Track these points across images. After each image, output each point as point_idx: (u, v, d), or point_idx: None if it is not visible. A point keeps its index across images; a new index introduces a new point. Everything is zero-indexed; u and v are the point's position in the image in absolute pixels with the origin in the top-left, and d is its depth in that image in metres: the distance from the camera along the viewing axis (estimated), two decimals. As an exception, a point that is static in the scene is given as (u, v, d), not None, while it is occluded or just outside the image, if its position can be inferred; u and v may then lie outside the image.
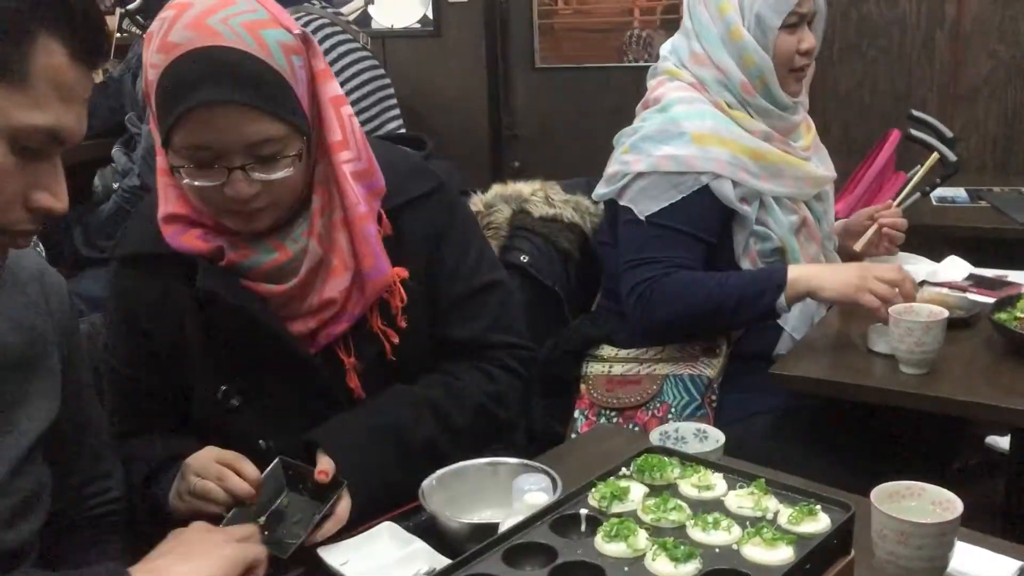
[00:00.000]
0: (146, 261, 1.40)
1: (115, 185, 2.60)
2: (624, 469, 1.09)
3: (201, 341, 1.39)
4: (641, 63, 3.83)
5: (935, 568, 1.10)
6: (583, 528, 0.99)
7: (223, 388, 1.40)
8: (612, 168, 2.02)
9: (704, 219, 1.93)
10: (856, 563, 1.01)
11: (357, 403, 1.41)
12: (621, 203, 1.97)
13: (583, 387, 2.04)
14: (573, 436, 1.99)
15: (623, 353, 2.05)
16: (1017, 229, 2.65)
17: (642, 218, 1.92)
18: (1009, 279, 2.15)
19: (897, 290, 1.79)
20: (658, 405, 1.97)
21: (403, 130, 2.73)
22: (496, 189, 2.19)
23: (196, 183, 1.25)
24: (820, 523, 0.97)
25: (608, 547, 0.94)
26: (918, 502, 1.14)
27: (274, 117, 1.23)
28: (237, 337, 1.37)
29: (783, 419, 1.96)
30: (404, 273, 1.41)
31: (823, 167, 2.12)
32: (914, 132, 2.56)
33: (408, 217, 1.43)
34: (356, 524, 1.26)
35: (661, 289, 1.88)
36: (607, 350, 2.06)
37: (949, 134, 2.63)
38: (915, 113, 2.70)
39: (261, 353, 1.38)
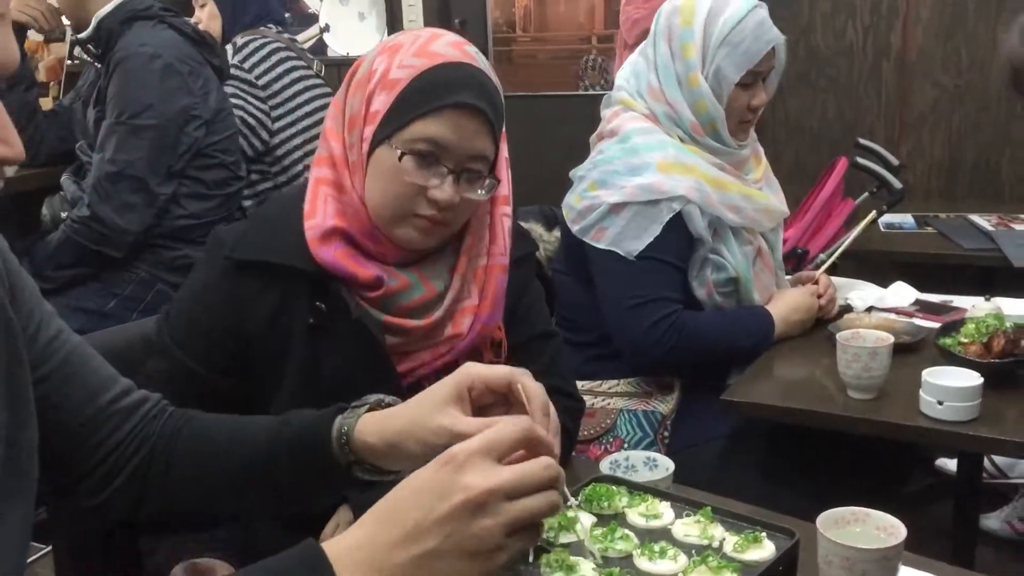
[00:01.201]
0: (269, 270, 1.37)
1: (63, 215, 2.56)
2: (572, 499, 1.08)
3: (300, 362, 1.38)
4: (597, 89, 3.88)
5: (880, 593, 1.11)
6: (531, 559, 0.98)
7: None
8: (582, 203, 2.01)
9: (681, 248, 1.98)
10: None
11: None
12: (601, 247, 1.98)
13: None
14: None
15: (578, 384, 2.05)
16: (962, 255, 2.71)
17: (631, 257, 1.95)
18: (954, 304, 2.19)
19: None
20: (611, 439, 1.98)
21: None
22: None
23: (409, 178, 1.31)
24: (765, 550, 0.98)
25: (554, 578, 0.94)
26: (863, 528, 1.15)
27: (493, 139, 1.35)
28: (337, 369, 1.37)
29: (734, 445, 1.98)
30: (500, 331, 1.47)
31: (776, 199, 2.16)
32: (860, 161, 2.62)
33: (513, 274, 1.49)
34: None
35: (683, 329, 1.94)
36: None
37: (895, 162, 2.70)
38: (862, 141, 2.77)
39: (351, 386, 1.34)
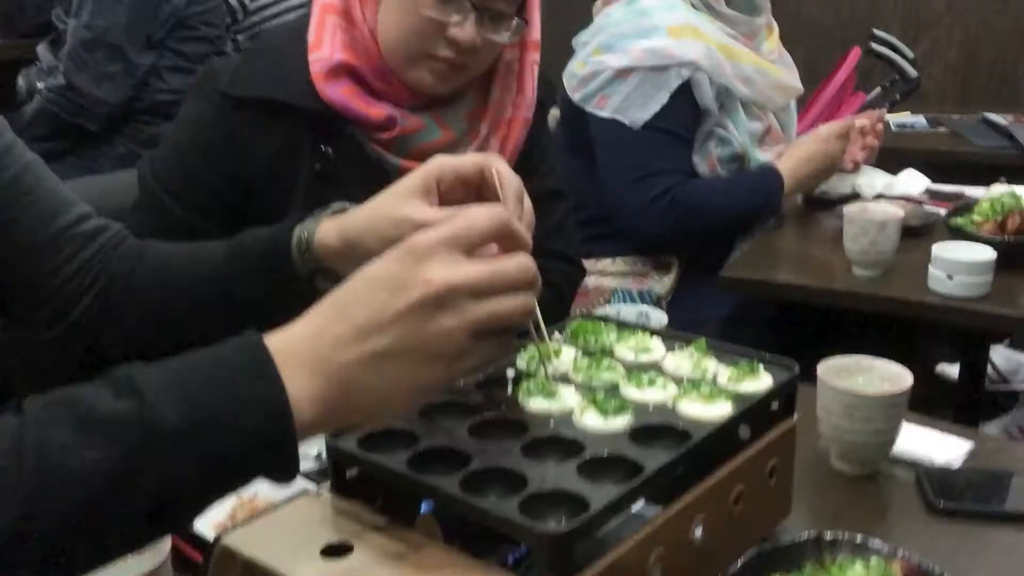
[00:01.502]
0: (270, 108, 1.25)
1: (40, 85, 2.45)
2: (557, 334, 1.01)
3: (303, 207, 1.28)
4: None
5: (881, 444, 1.05)
6: (509, 390, 0.91)
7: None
8: (585, 70, 1.91)
9: (688, 118, 1.89)
10: (802, 442, 0.95)
11: None
12: (604, 114, 1.88)
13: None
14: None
15: None
16: (975, 152, 2.61)
17: (637, 127, 1.85)
18: (967, 193, 2.10)
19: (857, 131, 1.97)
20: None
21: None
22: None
23: (428, 12, 1.20)
24: (762, 382, 0.90)
25: (533, 403, 0.87)
26: (866, 378, 1.08)
27: None
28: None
29: (730, 330, 1.90)
30: None
31: (790, 75, 2.05)
32: (875, 47, 2.50)
33: None
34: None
35: (685, 200, 1.84)
36: None
37: (910, 54, 2.58)
38: (877, 32, 2.65)
39: None
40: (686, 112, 1.86)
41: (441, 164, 0.91)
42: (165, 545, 0.77)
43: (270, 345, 0.67)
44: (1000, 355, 2.59)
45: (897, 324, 1.96)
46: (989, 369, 2.61)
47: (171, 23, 2.42)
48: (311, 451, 1.04)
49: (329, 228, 0.96)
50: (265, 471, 0.66)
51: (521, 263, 0.71)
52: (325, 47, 1.25)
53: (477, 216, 0.72)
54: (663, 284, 1.95)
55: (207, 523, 0.88)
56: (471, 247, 0.70)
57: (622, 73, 1.85)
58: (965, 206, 1.81)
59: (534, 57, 1.34)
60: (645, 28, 1.85)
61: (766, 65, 1.94)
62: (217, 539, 0.74)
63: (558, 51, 1.99)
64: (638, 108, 1.84)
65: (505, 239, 0.73)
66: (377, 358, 0.67)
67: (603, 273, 1.97)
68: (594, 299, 1.93)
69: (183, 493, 0.63)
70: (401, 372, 0.68)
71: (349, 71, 1.25)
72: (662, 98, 1.83)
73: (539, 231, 1.41)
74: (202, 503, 0.66)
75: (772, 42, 2.03)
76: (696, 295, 1.91)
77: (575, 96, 1.92)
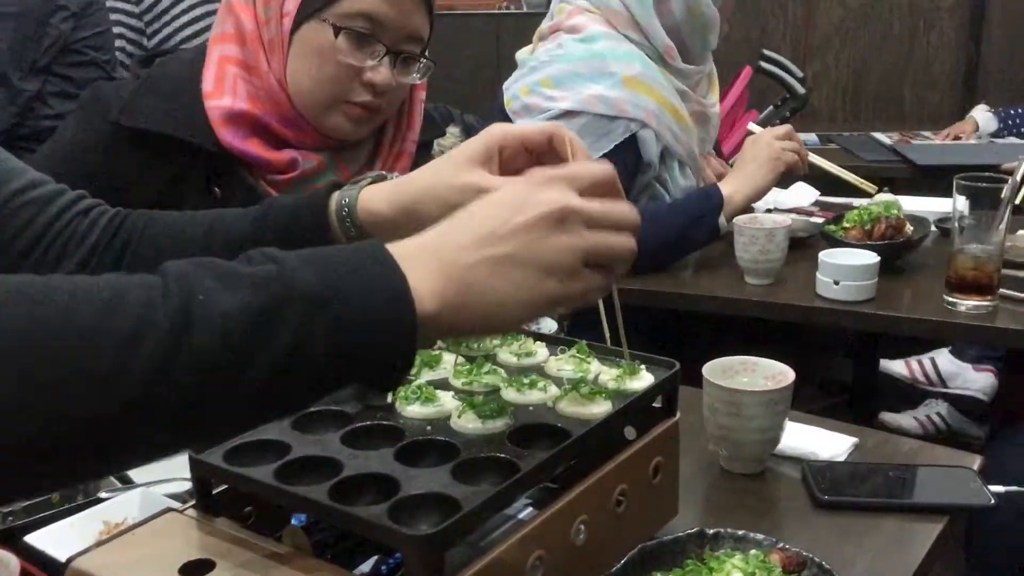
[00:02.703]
0: (161, 141, 1.22)
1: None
2: (440, 341, 0.99)
3: None
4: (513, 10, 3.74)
5: (767, 441, 1.06)
6: (389, 398, 0.89)
7: None
8: (531, 99, 1.85)
9: (629, 169, 1.83)
10: (692, 444, 0.95)
11: None
12: None
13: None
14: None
15: None
16: (865, 167, 2.70)
17: None
18: (855, 204, 2.16)
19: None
20: None
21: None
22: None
23: (344, 59, 1.21)
24: (644, 381, 0.90)
25: (410, 409, 0.85)
26: (751, 378, 1.09)
27: (428, 19, 1.26)
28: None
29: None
30: None
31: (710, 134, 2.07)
32: (764, 65, 2.58)
33: (417, 158, 1.40)
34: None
35: None
36: None
37: (799, 72, 2.67)
38: (766, 52, 2.73)
39: None
40: (626, 162, 1.81)
41: (505, 131, 0.90)
42: (13, 566, 0.72)
43: (391, 248, 0.67)
44: (945, 359, 2.66)
45: (787, 337, 2.00)
46: (931, 371, 2.68)
47: (56, 48, 2.34)
48: (186, 472, 1.00)
49: (374, 195, 0.94)
50: (384, 358, 0.64)
51: (627, 208, 0.75)
52: (226, 97, 1.23)
53: (591, 165, 0.78)
54: None
55: (64, 551, 0.83)
56: (582, 188, 0.73)
57: (569, 114, 1.79)
58: (840, 215, 1.86)
59: (421, 95, 1.37)
60: (600, 72, 1.80)
61: (689, 127, 1.91)
62: (68, 561, 0.70)
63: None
64: None
65: (609, 190, 0.76)
66: (497, 262, 0.68)
67: None
68: None
69: (308, 360, 0.60)
70: (519, 279, 0.69)
71: (252, 120, 1.24)
72: (604, 146, 1.79)
73: None
74: (315, 386, 0.63)
75: (714, 94, 2.03)
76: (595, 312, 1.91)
77: (515, 120, 1.87)
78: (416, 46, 1.26)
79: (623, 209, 0.74)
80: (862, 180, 1.93)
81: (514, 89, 1.91)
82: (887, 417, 2.58)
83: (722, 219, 1.80)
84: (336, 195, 0.96)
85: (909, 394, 2.68)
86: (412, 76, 1.28)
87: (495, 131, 0.91)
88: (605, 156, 1.78)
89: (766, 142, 1.87)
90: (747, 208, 1.85)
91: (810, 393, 2.59)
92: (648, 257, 1.80)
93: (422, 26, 1.25)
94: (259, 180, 1.26)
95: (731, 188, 1.84)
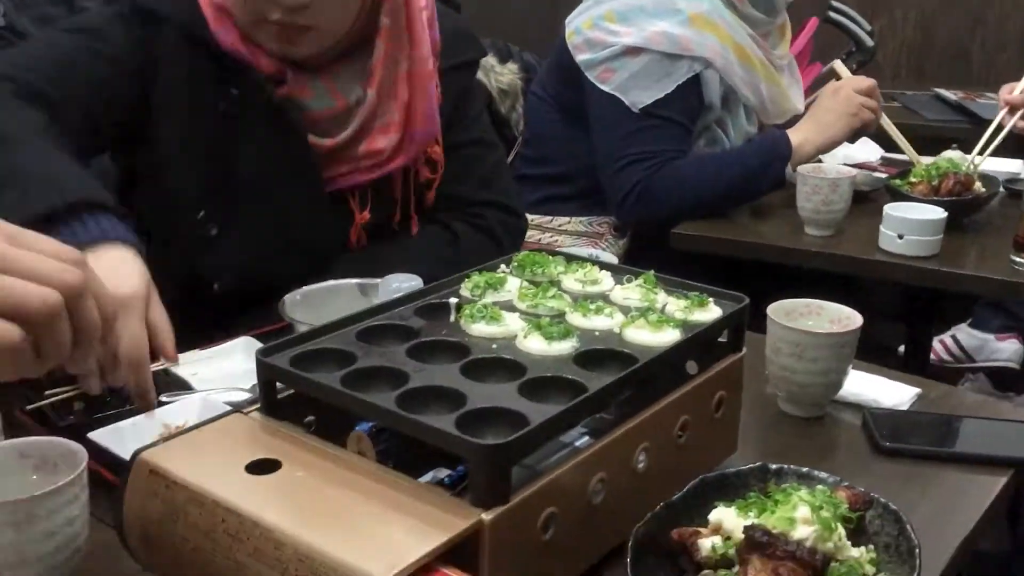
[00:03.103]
0: (181, 36, 1.19)
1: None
2: (503, 266, 0.98)
3: (208, 146, 1.22)
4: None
5: (829, 384, 1.04)
6: (452, 317, 0.88)
7: (202, 212, 1.23)
8: (593, 33, 1.82)
9: (693, 111, 1.81)
10: (750, 387, 0.93)
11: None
12: (605, 89, 1.80)
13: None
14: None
15: (529, 217, 1.96)
16: (927, 126, 2.62)
17: (635, 109, 1.78)
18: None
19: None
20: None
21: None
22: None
23: None
24: (711, 313, 0.88)
25: (475, 327, 0.84)
26: (815, 320, 1.07)
27: None
28: (251, 160, 1.22)
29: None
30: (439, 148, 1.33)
31: (795, 93, 2.00)
32: (833, 16, 2.50)
33: (449, 80, 1.34)
34: (214, 339, 1.13)
35: (661, 184, 1.76)
36: None
37: (867, 25, 2.59)
38: (834, 3, 2.65)
39: (267, 185, 1.23)
40: (690, 103, 1.79)
41: None
42: (81, 456, 0.72)
43: None
44: (965, 333, 2.61)
45: (848, 294, 1.97)
46: (955, 348, 2.64)
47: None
48: (245, 383, 1.01)
49: None
50: None
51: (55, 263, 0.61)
52: None
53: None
54: (617, 247, 1.93)
55: (126, 450, 0.84)
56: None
57: (633, 51, 1.76)
58: (906, 171, 1.81)
59: (420, 4, 1.25)
60: (666, 9, 1.76)
61: (775, 79, 1.88)
62: (136, 454, 0.70)
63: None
64: (641, 90, 1.77)
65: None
66: None
67: (558, 231, 1.94)
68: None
69: None
70: None
71: (232, 15, 1.19)
72: (667, 86, 1.75)
73: (469, 181, 1.40)
74: None
75: (785, 46, 1.98)
76: (646, 262, 1.89)
77: (577, 56, 1.83)
78: None
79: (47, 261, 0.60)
80: (914, 152, 1.85)
81: (577, 23, 1.87)
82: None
83: (788, 168, 1.75)
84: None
85: (940, 373, 2.63)
86: None
87: None
88: (668, 96, 1.76)
89: (847, 95, 1.80)
90: (814, 157, 1.81)
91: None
92: (707, 204, 1.78)
93: None
94: (268, 83, 1.21)
95: (802, 137, 1.79)
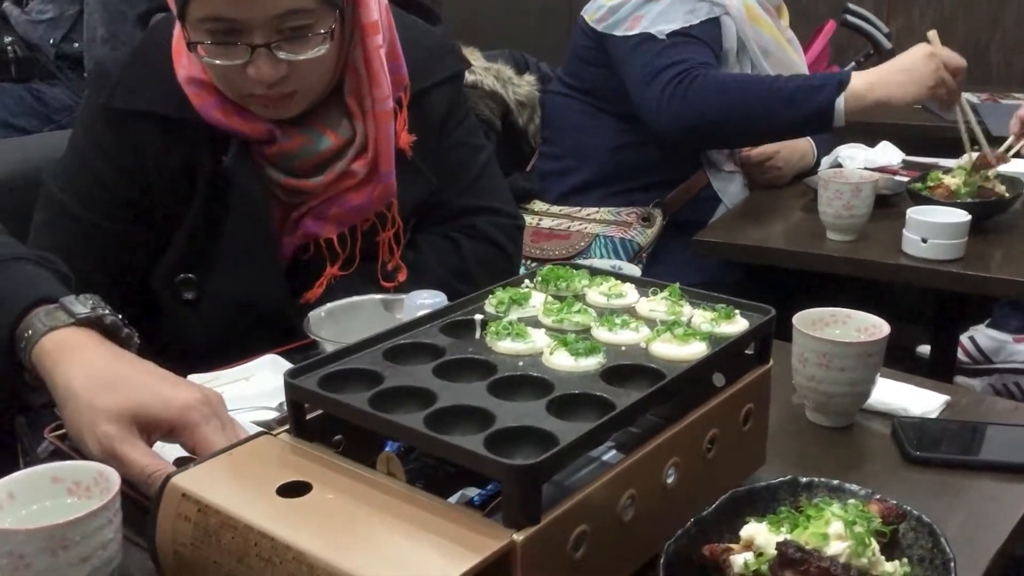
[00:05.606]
0: (164, 123, 1.21)
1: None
2: (527, 281, 0.98)
3: (201, 222, 1.24)
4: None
5: (857, 394, 1.03)
6: (477, 334, 0.88)
7: (181, 276, 1.26)
8: (614, 0, 1.89)
9: (714, 39, 1.86)
10: (777, 397, 0.93)
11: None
12: (635, 32, 1.83)
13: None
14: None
15: (555, 209, 2.01)
16: (945, 127, 2.60)
17: (662, 36, 1.81)
18: (941, 165, 2.10)
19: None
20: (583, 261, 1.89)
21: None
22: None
23: (216, 62, 1.12)
24: (738, 325, 0.88)
25: (501, 344, 0.84)
26: (843, 330, 1.06)
27: None
28: (232, 231, 1.24)
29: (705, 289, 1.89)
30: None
31: (800, 60, 2.07)
32: (850, 19, 2.49)
33: (434, 98, 1.35)
34: (240, 357, 1.13)
35: (701, 83, 1.71)
36: (538, 205, 2.01)
37: (884, 27, 2.58)
38: (851, 6, 2.64)
39: (245, 259, 1.25)
40: (713, 38, 1.85)
41: (138, 407, 0.84)
42: (115, 479, 0.73)
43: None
44: (983, 335, 2.59)
45: (869, 297, 1.96)
46: (973, 350, 2.62)
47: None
48: (271, 402, 1.01)
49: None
50: None
51: None
52: (183, 59, 1.20)
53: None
54: (645, 236, 1.93)
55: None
56: None
57: None
58: (926, 174, 1.80)
59: (375, 41, 1.21)
60: None
61: (782, 41, 1.95)
62: (167, 479, 0.71)
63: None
64: (667, 22, 1.82)
65: None
66: None
67: (586, 220, 1.97)
68: (575, 241, 1.93)
69: None
70: None
71: (211, 86, 1.19)
72: (690, 20, 1.83)
73: (454, 192, 1.40)
74: None
75: (786, 20, 2.05)
76: (676, 252, 1.90)
77: (599, 26, 1.89)
78: (301, 19, 1.11)
79: None
80: (987, 147, 1.77)
81: (595, 2, 1.93)
82: (960, 380, 2.52)
83: (840, 102, 1.65)
84: (31, 316, 0.90)
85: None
86: (312, 51, 1.12)
87: (130, 403, 0.84)
88: (692, 24, 1.82)
89: (936, 67, 1.68)
90: (872, 110, 1.69)
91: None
92: (747, 113, 1.71)
93: (286, 2, 1.09)
94: (256, 154, 1.22)
95: (866, 81, 1.68)
